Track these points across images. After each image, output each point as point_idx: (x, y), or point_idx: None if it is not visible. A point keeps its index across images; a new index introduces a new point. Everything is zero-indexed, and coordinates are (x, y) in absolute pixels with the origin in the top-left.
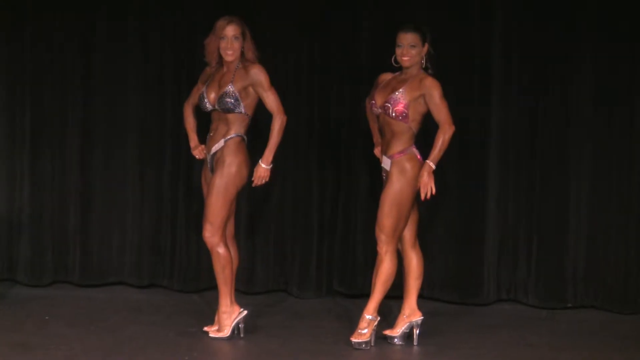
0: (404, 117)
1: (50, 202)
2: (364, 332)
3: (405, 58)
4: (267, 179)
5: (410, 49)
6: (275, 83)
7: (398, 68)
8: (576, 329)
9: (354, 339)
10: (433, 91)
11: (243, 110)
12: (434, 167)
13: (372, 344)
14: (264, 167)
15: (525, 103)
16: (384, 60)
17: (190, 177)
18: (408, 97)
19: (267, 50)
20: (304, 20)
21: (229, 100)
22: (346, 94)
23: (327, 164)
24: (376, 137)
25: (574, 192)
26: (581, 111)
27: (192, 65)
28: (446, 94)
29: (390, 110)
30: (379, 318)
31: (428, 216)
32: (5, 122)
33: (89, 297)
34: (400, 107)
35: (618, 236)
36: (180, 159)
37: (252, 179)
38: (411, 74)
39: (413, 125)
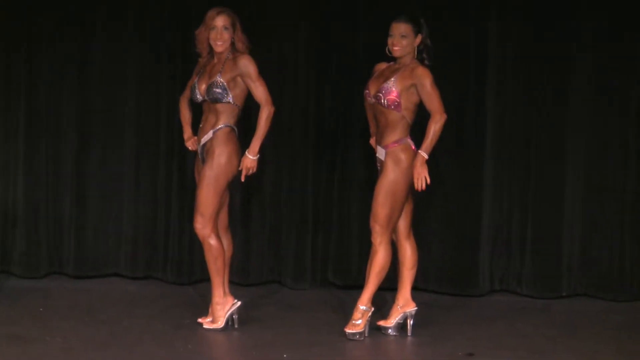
0: (397, 105)
1: (45, 194)
2: (358, 322)
3: (395, 48)
4: (255, 170)
5: (401, 39)
6: (272, 77)
7: (393, 58)
8: (571, 318)
9: (347, 330)
10: (424, 80)
11: (231, 101)
12: (426, 156)
13: (367, 335)
14: (250, 158)
15: (521, 95)
16: (380, 54)
17: (184, 170)
18: (400, 86)
19: (263, 44)
20: (301, 16)
21: (216, 90)
22: (342, 87)
23: (322, 155)
24: (373, 127)
25: (569, 183)
26: (576, 106)
27: (188, 60)
28: (443, 92)
29: (383, 100)
30: (373, 309)
31: (423, 208)
32: None
33: (83, 288)
34: (392, 96)
35: (612, 224)
36: (174, 151)
37: (240, 169)
38: (404, 63)
39: (406, 114)
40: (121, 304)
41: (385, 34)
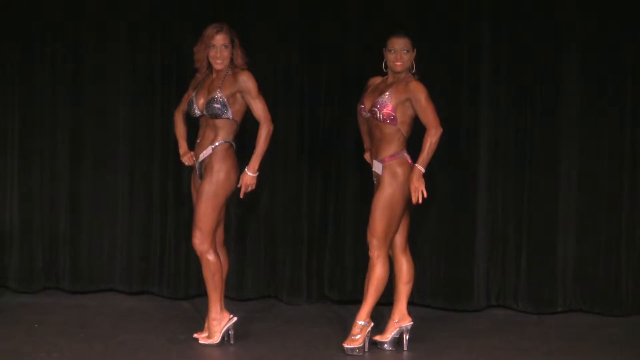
0: (392, 119)
1: (40, 209)
2: (357, 337)
3: (398, 63)
4: (254, 187)
5: (403, 53)
6: (265, 89)
7: (386, 72)
8: (566, 333)
9: (346, 345)
10: (418, 94)
11: (231, 116)
12: (423, 170)
13: (367, 350)
14: (250, 175)
15: (514, 106)
16: (374, 65)
17: (179, 184)
18: (395, 100)
19: (256, 56)
20: (293, 26)
21: (216, 105)
22: (335, 100)
23: (317, 170)
24: (366, 143)
25: (563, 196)
26: (570, 114)
27: (181, 72)
28: (435, 99)
29: (378, 114)
30: (372, 324)
31: (418, 222)
32: None
33: (79, 303)
34: (387, 110)
35: (608, 239)
36: (169, 165)
37: (238, 186)
38: (398, 77)
39: (402, 127)
40: (116, 319)
41: (378, 45)
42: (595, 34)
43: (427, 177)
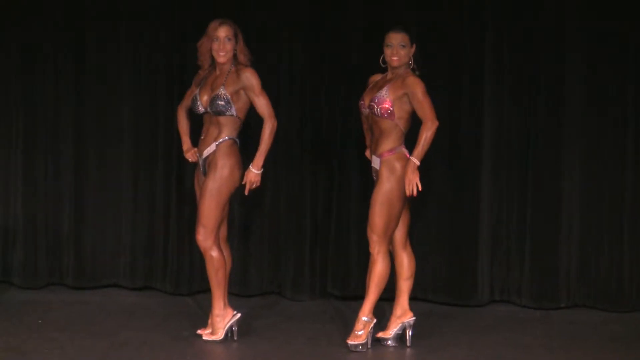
0: (390, 114)
1: (44, 205)
2: (360, 333)
3: (394, 58)
4: (259, 184)
5: (400, 49)
6: (267, 87)
7: (386, 69)
8: (570, 329)
9: (349, 341)
10: (415, 89)
11: (235, 113)
12: (418, 163)
13: (369, 346)
14: (254, 172)
15: (517, 104)
16: (376, 63)
17: (182, 180)
18: (392, 96)
19: (258, 54)
20: (296, 24)
21: (220, 102)
22: (338, 98)
23: (320, 167)
24: (368, 139)
25: (567, 192)
26: (573, 112)
27: (183, 70)
28: (436, 97)
29: (376, 109)
30: (375, 320)
31: (420, 217)
32: None
33: (83, 299)
34: (385, 105)
35: (610, 235)
36: (172, 161)
37: (243, 183)
38: (397, 73)
39: (400, 123)
40: (120, 315)
41: (379, 43)
42: (597, 34)
43: (425, 171)
